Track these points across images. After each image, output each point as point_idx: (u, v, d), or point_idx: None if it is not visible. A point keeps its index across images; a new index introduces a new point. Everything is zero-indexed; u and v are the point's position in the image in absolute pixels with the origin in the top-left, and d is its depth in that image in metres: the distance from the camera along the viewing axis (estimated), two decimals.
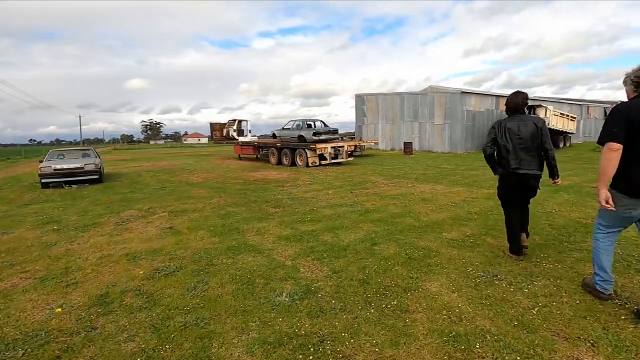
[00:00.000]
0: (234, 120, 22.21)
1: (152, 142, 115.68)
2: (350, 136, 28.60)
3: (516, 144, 3.39)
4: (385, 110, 25.08)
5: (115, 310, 2.89)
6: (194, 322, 2.65)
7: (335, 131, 15.82)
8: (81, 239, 4.99)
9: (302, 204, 6.94)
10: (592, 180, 8.71)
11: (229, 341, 2.41)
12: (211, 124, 23.25)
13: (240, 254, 4.13)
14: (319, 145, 13.98)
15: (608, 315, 2.54)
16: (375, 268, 3.55)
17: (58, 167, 10.92)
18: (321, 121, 16.51)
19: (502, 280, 3.16)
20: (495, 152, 3.62)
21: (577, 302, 2.75)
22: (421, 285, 3.13)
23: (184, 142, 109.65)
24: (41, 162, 11.48)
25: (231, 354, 2.28)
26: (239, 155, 20.34)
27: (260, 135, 22.86)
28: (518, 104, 3.50)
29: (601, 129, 2.51)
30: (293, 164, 14.85)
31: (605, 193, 2.44)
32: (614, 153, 2.39)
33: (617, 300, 2.74)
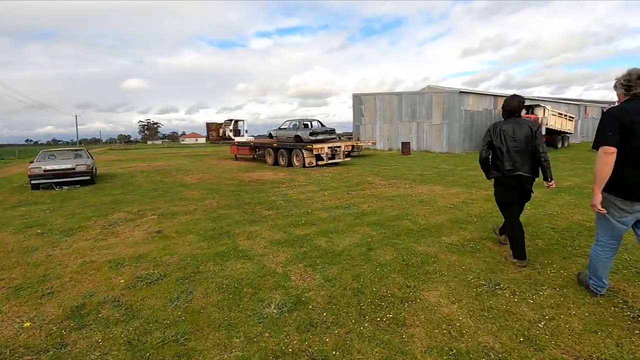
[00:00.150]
0: (231, 120, 21.98)
1: (149, 142, 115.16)
2: (348, 136, 28.42)
3: (511, 146, 3.42)
4: (383, 110, 24.91)
5: (89, 324, 2.68)
6: (173, 337, 2.44)
7: (332, 131, 15.62)
8: (64, 244, 4.77)
9: (297, 206, 6.74)
10: (592, 180, 8.52)
11: None
12: (207, 124, 23.00)
13: (229, 260, 3.92)
14: (315, 146, 13.78)
15: (621, 330, 2.36)
16: (371, 276, 3.35)
17: (48, 168, 10.67)
18: (318, 121, 16.32)
19: (505, 289, 2.97)
20: (490, 155, 3.63)
21: (587, 314, 2.56)
22: (419, 295, 2.94)
23: (182, 142, 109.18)
24: (32, 162, 11.24)
25: None
26: (236, 155, 20.12)
27: (257, 136, 22.64)
28: (514, 107, 3.54)
29: (595, 133, 2.53)
30: (290, 164, 14.65)
31: (599, 197, 2.49)
32: (609, 157, 2.41)
33: (629, 312, 2.56)
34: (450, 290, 3.01)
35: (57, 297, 3.15)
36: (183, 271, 3.63)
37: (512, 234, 3.61)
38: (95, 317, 2.78)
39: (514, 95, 3.62)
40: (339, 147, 14.68)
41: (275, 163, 15.53)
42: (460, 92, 20.90)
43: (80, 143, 75.80)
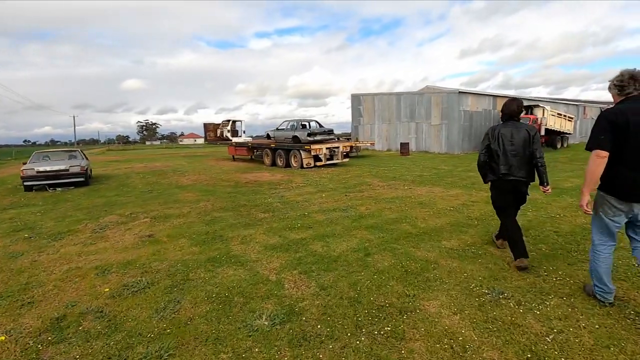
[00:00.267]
0: (228, 121, 21.82)
1: (148, 142, 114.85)
2: (347, 137, 28.27)
3: (508, 150, 3.45)
4: (382, 110, 24.78)
5: (69, 338, 2.52)
6: (157, 353, 2.29)
7: (330, 131, 15.47)
8: (51, 249, 4.61)
9: (294, 209, 6.59)
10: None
11: None
12: (205, 125, 22.83)
13: (221, 266, 3.77)
14: (313, 146, 13.63)
15: (635, 345, 2.21)
16: (368, 284, 3.20)
17: (41, 169, 10.48)
18: (316, 121, 16.16)
19: (509, 299, 2.83)
20: (488, 158, 3.66)
21: (597, 326, 2.41)
22: (419, 305, 2.79)
23: (180, 142, 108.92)
24: (25, 164, 11.06)
25: None
26: (233, 156, 19.97)
27: (255, 136, 22.47)
28: (513, 110, 3.56)
29: (589, 135, 2.56)
30: (287, 165, 14.50)
31: (588, 198, 2.56)
32: (601, 160, 2.44)
33: None
34: (451, 299, 2.86)
35: (38, 307, 2.99)
36: (172, 278, 3.48)
37: (510, 237, 3.56)
38: (75, 329, 2.62)
39: (514, 99, 3.64)
40: (337, 147, 14.53)
41: (273, 164, 15.38)
42: (459, 92, 20.78)
43: (78, 144, 75.48)
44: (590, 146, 2.50)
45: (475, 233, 4.66)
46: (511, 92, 26.03)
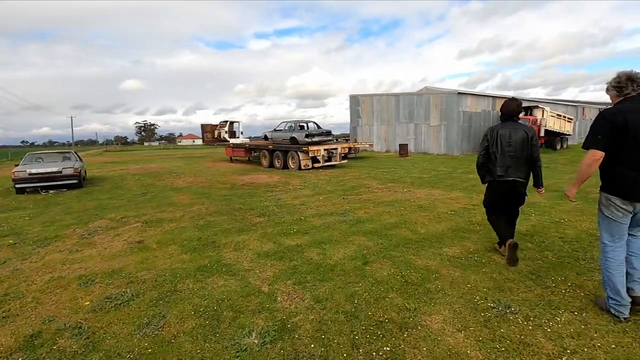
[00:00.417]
0: (226, 122, 21.62)
1: (146, 143, 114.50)
2: (346, 138, 28.10)
3: (506, 151, 3.46)
4: (380, 111, 24.62)
5: (42, 358, 2.32)
6: None
7: (328, 133, 15.28)
8: (35, 256, 4.41)
9: (290, 212, 6.40)
10: (597, 184, 8.25)
11: None
12: (202, 125, 22.63)
13: (211, 276, 3.57)
14: (311, 148, 13.44)
15: None
16: (366, 296, 3.02)
17: (33, 171, 10.26)
18: (314, 122, 15.98)
19: (516, 313, 2.65)
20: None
21: (613, 345, 2.24)
22: (420, 321, 2.60)
23: (179, 143, 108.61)
24: (17, 166, 10.85)
25: None
26: (231, 157, 19.78)
27: (253, 137, 22.28)
28: (513, 110, 3.57)
29: (587, 134, 2.57)
30: (285, 166, 14.31)
31: (574, 192, 2.74)
32: (595, 160, 2.49)
33: None
34: (455, 314, 2.68)
35: (13, 323, 2.79)
36: (159, 290, 3.28)
37: (494, 223, 3.84)
38: (49, 348, 2.43)
39: (513, 99, 3.64)
40: (336, 149, 14.35)
41: (271, 165, 15.19)
42: (459, 93, 20.64)
43: (76, 144, 75.15)
44: (587, 145, 2.54)
45: (478, 239, 4.49)
46: (510, 93, 25.94)
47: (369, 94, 25.80)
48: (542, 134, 19.64)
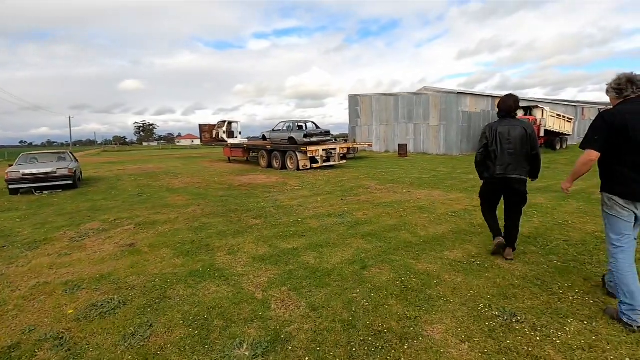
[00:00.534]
0: (224, 122, 21.46)
1: (145, 143, 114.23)
2: (345, 138, 27.97)
3: (505, 148, 3.43)
4: (379, 111, 24.50)
5: None
6: None
7: (327, 133, 15.14)
8: (23, 260, 4.26)
9: (287, 214, 6.26)
10: (599, 184, 8.12)
11: None
12: (200, 126, 22.47)
13: (204, 281, 3.43)
14: (310, 148, 13.30)
15: None
16: (364, 303, 2.88)
17: (27, 172, 10.10)
18: (313, 122, 15.84)
19: (523, 322, 2.51)
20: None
21: (627, 359, 2.10)
22: (421, 331, 2.46)
23: (177, 143, 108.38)
24: (10, 166, 10.69)
25: None
26: (229, 158, 19.64)
27: (251, 138, 22.13)
28: (510, 106, 3.53)
29: (586, 133, 2.58)
30: (283, 167, 14.17)
31: (569, 186, 2.78)
32: (590, 160, 2.53)
33: None
34: (458, 323, 2.54)
35: None
36: (147, 296, 3.14)
37: (486, 214, 3.90)
38: None
39: (510, 95, 3.58)
40: (334, 149, 14.22)
41: (269, 166, 15.06)
42: (458, 93, 20.53)
43: (74, 145, 74.90)
44: (584, 145, 2.57)
45: (480, 242, 4.35)
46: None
47: (368, 94, 25.68)
48: (541, 134, 19.53)
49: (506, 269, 3.46)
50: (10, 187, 9.88)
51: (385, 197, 7.55)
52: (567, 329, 2.41)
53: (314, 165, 13.64)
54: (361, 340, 2.37)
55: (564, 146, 22.44)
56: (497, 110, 3.73)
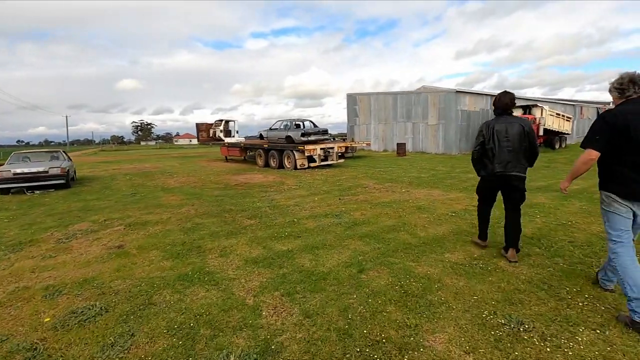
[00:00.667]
0: (221, 121, 21.28)
1: (143, 143, 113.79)
2: (343, 137, 27.79)
3: (504, 146, 3.41)
4: (378, 110, 24.33)
5: None
6: None
7: (325, 132, 14.96)
8: (5, 263, 4.07)
9: (283, 214, 6.09)
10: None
11: None
12: (197, 125, 22.25)
13: (192, 286, 3.25)
14: (307, 147, 13.12)
15: None
16: (361, 310, 2.71)
17: (18, 171, 9.90)
18: (310, 121, 15.67)
19: (531, 331, 2.34)
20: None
21: None
22: (422, 341, 2.29)
23: (175, 143, 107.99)
24: (1, 165, 10.48)
25: None
26: (226, 157, 19.44)
27: (249, 137, 21.95)
28: (506, 104, 3.52)
29: (587, 132, 2.59)
30: (281, 166, 13.99)
31: (567, 185, 2.81)
32: (590, 160, 2.53)
33: None
34: (461, 331, 2.38)
35: None
36: (131, 302, 2.96)
37: (481, 215, 3.94)
38: None
39: (506, 92, 3.57)
40: (332, 148, 14.04)
41: (266, 165, 14.87)
42: (457, 91, 20.39)
43: (72, 144, 74.47)
44: (585, 145, 2.58)
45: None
46: None
47: (367, 93, 25.50)
48: (541, 132, 19.41)
49: (510, 272, 3.30)
50: (1, 186, 9.67)
51: (383, 197, 7.38)
52: (579, 339, 2.24)
53: (312, 165, 13.46)
54: (357, 352, 2.20)
55: (563, 145, 22.34)
56: (493, 108, 3.68)
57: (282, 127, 15.11)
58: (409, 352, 2.18)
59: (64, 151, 12.98)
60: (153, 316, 2.72)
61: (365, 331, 2.42)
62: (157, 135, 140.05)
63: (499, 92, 3.67)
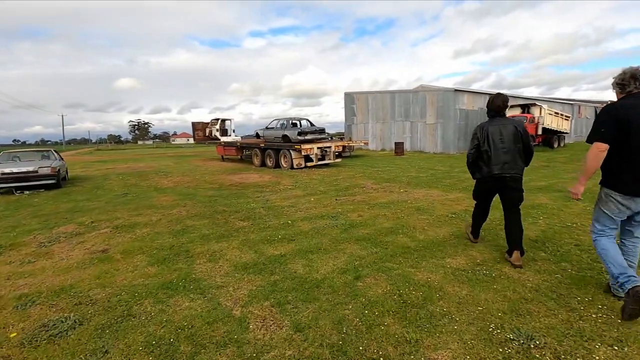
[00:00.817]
0: (217, 120, 21.01)
1: (140, 142, 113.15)
2: (341, 136, 27.58)
3: (499, 147, 3.42)
4: (376, 109, 24.13)
5: None
6: None
7: (322, 130, 14.74)
8: None
9: (277, 216, 5.87)
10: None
11: None
12: (193, 124, 21.99)
13: (176, 295, 3.04)
14: (304, 146, 12.90)
15: None
16: (357, 323, 2.50)
17: (7, 171, 9.65)
18: (307, 120, 15.45)
19: (542, 347, 2.14)
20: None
21: None
22: (423, 359, 2.09)
23: (173, 142, 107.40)
24: None
25: None
26: (222, 156, 19.19)
27: (245, 136, 21.69)
28: (499, 106, 3.54)
29: (591, 128, 2.59)
30: (277, 165, 13.77)
31: (582, 189, 2.67)
32: (600, 153, 2.50)
33: None
34: (466, 348, 2.17)
35: None
36: (109, 314, 2.74)
37: (476, 219, 4.01)
38: None
39: (498, 94, 3.62)
40: (329, 147, 13.82)
41: (263, 164, 14.64)
42: (455, 90, 20.23)
43: (68, 143, 73.92)
44: (591, 139, 2.56)
45: (484, 247, 3.99)
46: (504, 92, 25.47)
47: (364, 92, 25.29)
48: (539, 132, 19.28)
49: (516, 279, 3.10)
50: None
51: (381, 197, 7.18)
52: (595, 357, 2.04)
53: (309, 164, 13.25)
54: None
55: (562, 144, 22.21)
56: (486, 110, 3.68)
57: (278, 126, 14.88)
58: None
59: (55, 150, 12.72)
60: (131, 330, 2.50)
61: (361, 347, 2.21)
62: (155, 135, 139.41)
63: (497, 91, 3.62)
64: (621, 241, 2.76)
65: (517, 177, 3.44)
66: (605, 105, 2.69)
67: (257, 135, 16.46)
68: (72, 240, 4.80)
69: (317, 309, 2.70)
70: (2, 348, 2.35)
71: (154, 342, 2.34)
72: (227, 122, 21.46)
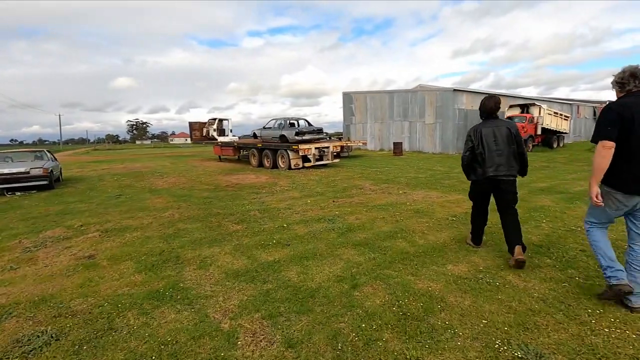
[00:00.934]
0: (215, 119, 20.84)
1: (138, 142, 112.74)
2: (339, 136, 27.43)
3: (493, 149, 3.44)
4: (374, 109, 23.97)
5: None
6: None
7: (319, 130, 14.56)
8: None
9: (273, 218, 5.70)
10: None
11: None
12: (190, 124, 21.80)
13: (162, 305, 2.87)
14: (302, 146, 12.73)
15: None
16: (353, 337, 2.33)
17: None
18: (305, 120, 15.29)
19: None
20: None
21: None
22: None
23: (171, 142, 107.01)
24: None
25: None
26: (220, 156, 19.01)
27: (242, 136, 21.51)
28: (491, 108, 3.56)
29: (594, 127, 2.58)
30: (275, 166, 13.60)
31: (597, 190, 2.54)
32: (608, 150, 2.46)
33: None
34: None
35: None
36: (89, 327, 2.56)
37: (475, 222, 3.90)
38: None
39: (490, 97, 3.64)
40: (327, 147, 13.66)
41: (260, 165, 14.48)
42: (454, 90, 20.08)
43: (66, 143, 73.51)
44: (597, 137, 2.52)
45: (487, 253, 3.83)
46: (503, 92, 25.62)
47: (363, 92, 25.13)
48: (539, 132, 19.17)
49: (521, 289, 2.94)
50: None
51: (379, 199, 7.02)
52: None
53: (306, 164, 13.08)
54: None
55: (561, 144, 22.12)
56: (479, 113, 3.68)
57: (276, 126, 14.72)
58: None
59: (48, 150, 12.52)
60: (110, 346, 2.33)
61: None
62: (153, 134, 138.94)
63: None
64: (629, 246, 2.67)
65: (510, 179, 3.46)
66: (606, 104, 2.69)
67: (255, 135, 16.28)
68: (59, 245, 4.62)
69: (311, 322, 2.53)
70: None
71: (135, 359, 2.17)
72: (225, 122, 21.28)
